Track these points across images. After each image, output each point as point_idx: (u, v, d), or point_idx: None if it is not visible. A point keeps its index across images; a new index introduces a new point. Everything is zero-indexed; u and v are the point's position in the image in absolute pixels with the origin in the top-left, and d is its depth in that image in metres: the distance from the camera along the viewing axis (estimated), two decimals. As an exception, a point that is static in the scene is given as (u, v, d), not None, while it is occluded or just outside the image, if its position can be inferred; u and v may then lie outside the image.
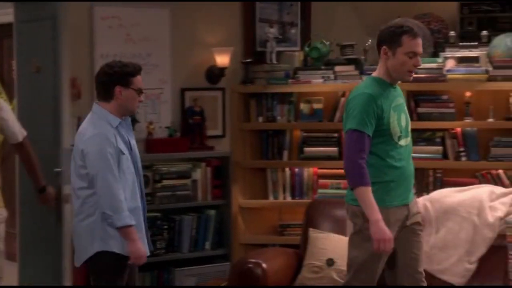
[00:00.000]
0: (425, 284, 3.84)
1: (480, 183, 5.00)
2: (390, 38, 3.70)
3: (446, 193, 4.81)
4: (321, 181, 5.43)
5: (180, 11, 5.47)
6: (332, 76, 5.38)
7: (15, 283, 5.28)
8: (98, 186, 3.67)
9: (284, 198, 5.52)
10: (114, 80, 3.74)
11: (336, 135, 5.42)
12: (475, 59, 5.18)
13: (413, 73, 3.77)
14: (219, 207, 5.52)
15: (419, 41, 3.73)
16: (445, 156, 5.21)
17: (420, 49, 3.73)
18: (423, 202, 4.79)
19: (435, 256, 4.62)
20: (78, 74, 5.12)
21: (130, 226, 3.70)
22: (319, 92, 5.44)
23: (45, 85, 5.02)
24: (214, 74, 5.57)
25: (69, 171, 3.85)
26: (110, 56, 5.19)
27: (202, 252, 5.41)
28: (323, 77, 5.39)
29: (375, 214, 3.62)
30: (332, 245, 4.71)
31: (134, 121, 5.20)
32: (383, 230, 3.61)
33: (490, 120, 5.17)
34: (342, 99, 5.37)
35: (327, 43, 5.44)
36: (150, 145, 5.30)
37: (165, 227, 5.27)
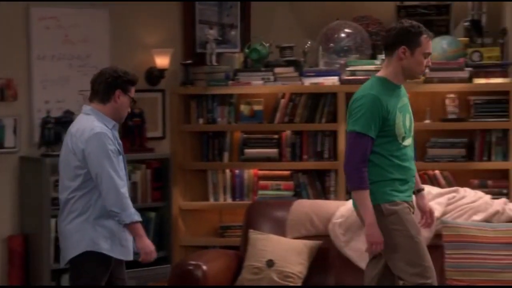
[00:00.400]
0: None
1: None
2: (410, 38, 3.73)
3: (384, 194, 4.86)
4: (262, 182, 5.45)
5: (119, 12, 5.43)
6: (272, 77, 5.41)
7: None
8: (103, 184, 3.72)
9: (225, 199, 5.52)
10: (117, 83, 3.85)
11: (276, 136, 5.44)
12: (412, 62, 5.26)
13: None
14: (159, 209, 5.49)
15: (431, 42, 3.83)
16: (383, 157, 5.27)
17: (431, 49, 3.84)
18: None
19: (373, 256, 4.67)
20: (14, 75, 5.04)
21: (137, 222, 3.78)
22: (259, 93, 5.46)
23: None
24: (154, 76, 5.54)
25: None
26: (48, 58, 5.13)
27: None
28: (263, 79, 5.41)
29: (371, 217, 3.68)
30: (272, 246, 4.73)
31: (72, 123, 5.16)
32: (377, 234, 3.67)
33: (427, 121, 5.26)
34: (282, 101, 5.40)
35: (267, 45, 5.46)
36: (89, 147, 5.23)
37: (105, 230, 5.21)
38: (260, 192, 5.43)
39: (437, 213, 4.64)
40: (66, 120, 5.07)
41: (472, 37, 5.36)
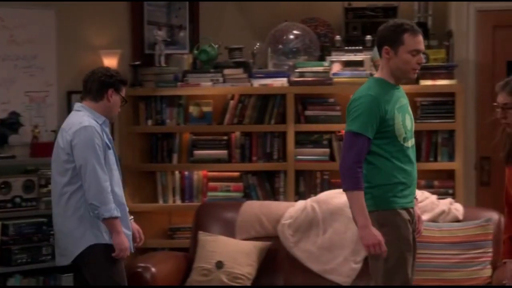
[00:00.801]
0: None
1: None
2: (391, 38, 3.65)
3: (332, 195, 4.90)
4: (211, 184, 5.44)
5: (66, 12, 5.37)
6: (221, 79, 5.40)
7: None
8: (86, 176, 3.79)
9: (174, 201, 5.50)
10: (110, 82, 3.97)
11: (225, 138, 5.44)
12: (359, 63, 5.31)
13: (417, 71, 3.72)
14: (107, 211, 5.44)
15: (420, 38, 3.68)
16: (332, 158, 5.32)
17: (422, 46, 3.68)
18: (310, 203, 4.87)
19: (322, 256, 4.71)
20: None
21: (116, 218, 3.82)
22: (208, 95, 5.45)
23: None
24: (102, 77, 5.49)
25: None
26: (-8, 58, 5.06)
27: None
28: (212, 80, 5.40)
29: (365, 219, 3.56)
30: (221, 248, 4.73)
31: (18, 124, 5.09)
32: (371, 235, 3.55)
33: (375, 122, 5.30)
34: (231, 102, 5.40)
35: (216, 46, 5.45)
36: (35, 149, 5.16)
37: (52, 232, 5.15)
38: (210, 193, 5.42)
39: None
40: (12, 121, 5.00)
41: (419, 39, 5.43)
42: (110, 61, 5.39)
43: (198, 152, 5.43)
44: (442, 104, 5.25)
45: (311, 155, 5.29)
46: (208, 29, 5.72)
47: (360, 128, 3.61)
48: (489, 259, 4.59)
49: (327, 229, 4.78)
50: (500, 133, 3.42)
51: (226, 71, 5.41)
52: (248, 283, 4.64)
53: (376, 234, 3.56)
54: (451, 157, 5.24)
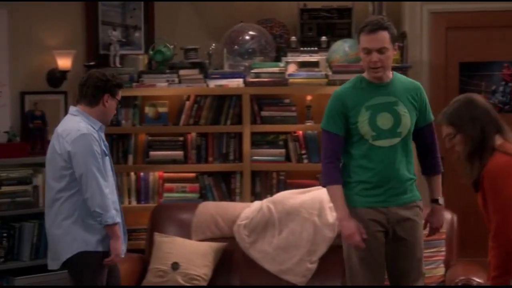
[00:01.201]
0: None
1: (320, 184, 5.14)
2: (358, 38, 3.70)
3: (288, 195, 4.92)
4: (167, 185, 5.42)
5: (18, 12, 5.30)
6: (176, 79, 5.39)
7: None
8: (88, 185, 3.77)
9: (129, 202, 5.46)
10: (106, 87, 3.94)
11: (181, 138, 5.42)
12: (315, 64, 5.35)
13: (377, 70, 3.62)
14: (62, 213, 5.39)
15: (373, 36, 3.59)
16: (288, 158, 5.34)
17: (372, 45, 3.59)
18: (266, 204, 4.88)
19: (278, 256, 4.71)
20: None
21: (117, 223, 3.87)
22: (164, 95, 5.43)
23: None
24: (56, 78, 5.44)
25: None
26: None
27: (43, 260, 5.20)
28: (167, 81, 5.39)
29: (340, 212, 3.67)
30: (177, 249, 4.71)
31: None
32: (345, 227, 3.64)
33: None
34: (187, 103, 5.38)
35: (171, 46, 5.44)
36: (-12, 150, 5.10)
37: (5, 234, 5.10)
38: (166, 194, 5.40)
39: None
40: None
41: (373, 40, 5.47)
42: (64, 62, 5.35)
43: (154, 153, 5.41)
44: (396, 105, 5.29)
45: (267, 155, 5.31)
46: (164, 30, 5.71)
47: (324, 124, 3.72)
48: (442, 258, 4.65)
49: (283, 229, 4.79)
50: (457, 159, 3.45)
51: (182, 72, 5.39)
52: (204, 284, 4.63)
53: (350, 226, 3.63)
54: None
